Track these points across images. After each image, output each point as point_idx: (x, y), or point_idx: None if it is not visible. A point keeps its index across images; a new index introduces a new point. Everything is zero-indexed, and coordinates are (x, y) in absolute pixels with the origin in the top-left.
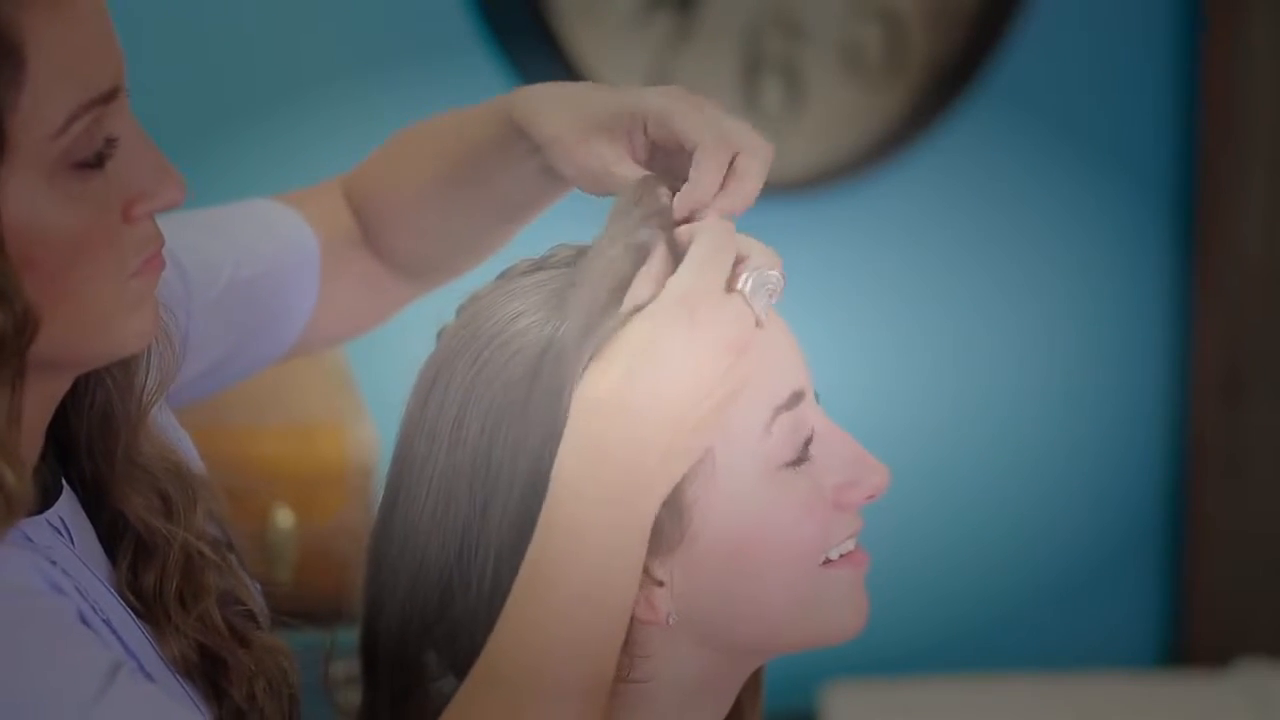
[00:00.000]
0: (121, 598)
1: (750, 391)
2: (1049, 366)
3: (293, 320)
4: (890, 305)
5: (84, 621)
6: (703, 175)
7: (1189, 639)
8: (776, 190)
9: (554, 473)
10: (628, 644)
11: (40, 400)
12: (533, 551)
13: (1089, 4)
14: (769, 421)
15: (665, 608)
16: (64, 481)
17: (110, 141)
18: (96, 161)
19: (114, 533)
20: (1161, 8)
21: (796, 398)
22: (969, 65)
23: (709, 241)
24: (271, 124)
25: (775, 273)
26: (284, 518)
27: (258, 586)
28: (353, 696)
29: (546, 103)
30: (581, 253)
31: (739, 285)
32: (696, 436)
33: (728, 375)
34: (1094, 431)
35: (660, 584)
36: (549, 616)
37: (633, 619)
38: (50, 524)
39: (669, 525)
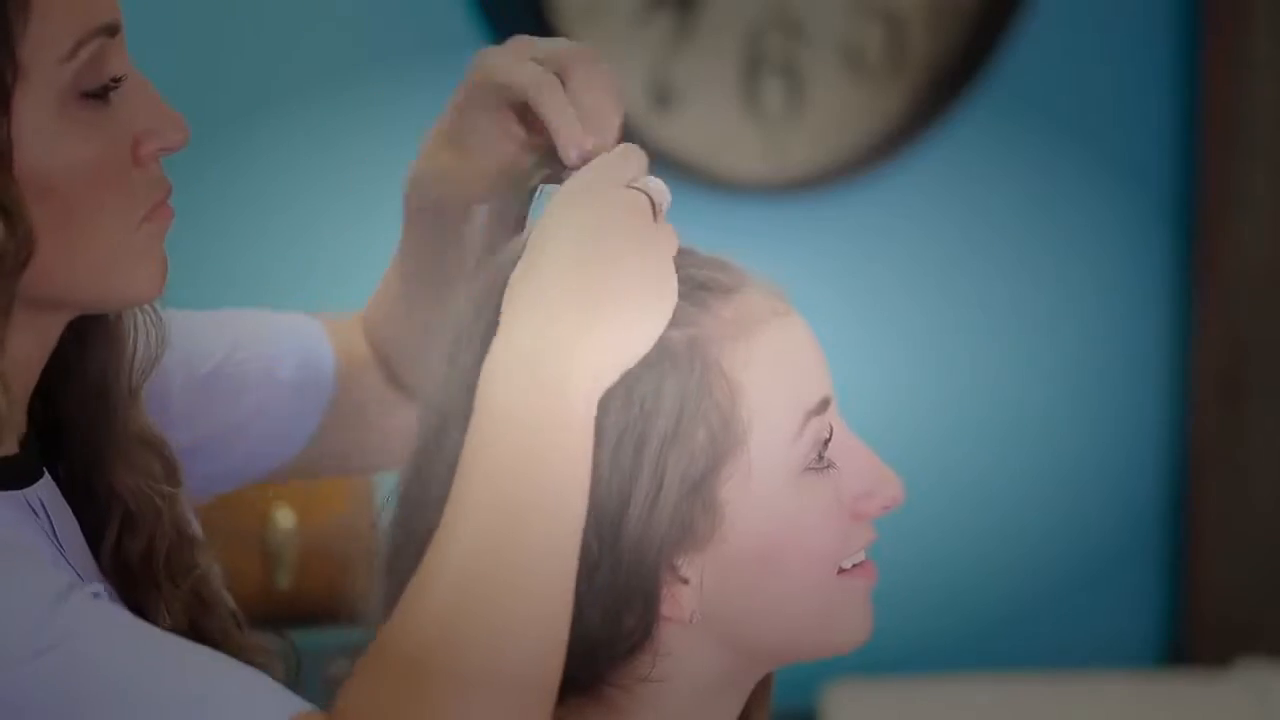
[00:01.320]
0: (106, 576)
1: (784, 395)
2: (1049, 367)
3: (301, 421)
4: (890, 305)
5: None
6: (551, 117)
7: (1189, 639)
8: (776, 190)
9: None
10: (651, 643)
11: (32, 341)
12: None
13: (1089, 4)
14: (801, 426)
15: (689, 606)
16: (44, 471)
17: (115, 80)
18: (102, 94)
19: (100, 512)
20: (1162, 7)
21: (825, 404)
22: (969, 65)
23: (609, 153)
24: (272, 123)
25: (657, 181)
26: (284, 518)
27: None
28: None
29: (415, 169)
30: None
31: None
32: (619, 322)
33: (634, 240)
34: (1094, 432)
35: (686, 581)
36: (463, 574)
37: (658, 617)
38: (29, 503)
39: (701, 522)
